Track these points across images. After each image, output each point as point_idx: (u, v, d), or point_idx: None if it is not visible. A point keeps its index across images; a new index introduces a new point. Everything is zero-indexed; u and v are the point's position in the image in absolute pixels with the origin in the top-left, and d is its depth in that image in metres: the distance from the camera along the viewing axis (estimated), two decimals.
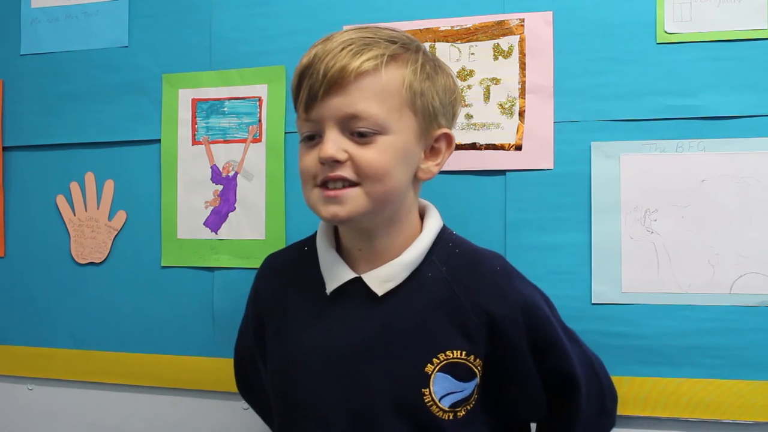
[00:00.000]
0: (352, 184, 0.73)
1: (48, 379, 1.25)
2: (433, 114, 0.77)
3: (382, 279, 0.78)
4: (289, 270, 0.88)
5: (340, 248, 0.83)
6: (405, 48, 0.76)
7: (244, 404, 1.15)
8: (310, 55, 0.75)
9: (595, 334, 0.99)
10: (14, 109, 1.26)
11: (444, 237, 0.83)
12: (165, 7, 1.19)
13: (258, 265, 1.12)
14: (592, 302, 1.01)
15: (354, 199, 0.73)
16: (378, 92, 0.73)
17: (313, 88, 0.73)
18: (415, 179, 0.79)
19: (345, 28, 0.79)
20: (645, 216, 0.99)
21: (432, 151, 0.80)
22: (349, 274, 0.80)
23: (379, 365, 0.77)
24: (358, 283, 0.79)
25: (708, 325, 0.97)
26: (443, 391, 0.76)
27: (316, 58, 0.73)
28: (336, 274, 0.80)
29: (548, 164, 1.02)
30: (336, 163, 0.72)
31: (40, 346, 1.25)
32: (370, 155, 0.73)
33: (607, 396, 0.87)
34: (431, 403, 0.76)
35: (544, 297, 0.83)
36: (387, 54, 0.73)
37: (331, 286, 0.80)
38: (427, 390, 0.76)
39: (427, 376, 0.76)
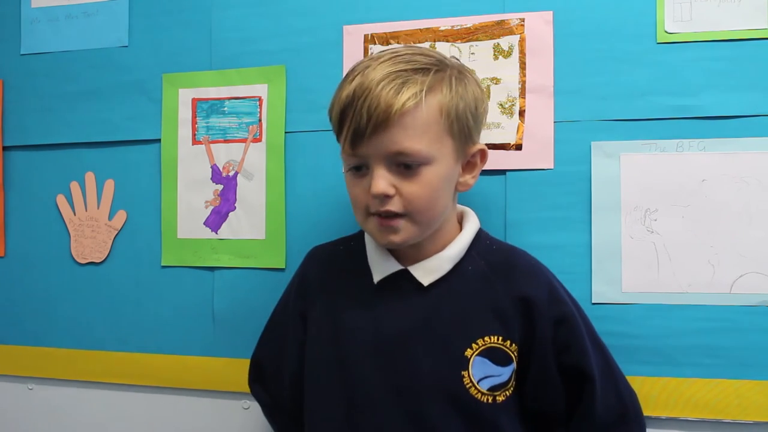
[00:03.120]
0: (400, 215, 0.80)
1: (48, 379, 1.25)
2: (468, 134, 0.83)
3: (427, 270, 0.85)
4: (336, 261, 0.94)
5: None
6: (438, 75, 0.80)
7: (244, 404, 1.15)
8: (349, 91, 0.79)
9: None
10: (14, 109, 1.26)
11: (482, 236, 0.90)
12: (165, 7, 1.19)
13: (258, 265, 1.14)
14: (592, 302, 1.01)
15: (406, 229, 0.81)
16: (419, 127, 0.78)
17: (358, 129, 0.78)
18: (454, 191, 0.87)
19: (378, 56, 0.81)
20: (645, 216, 0.99)
21: (468, 165, 0.86)
22: (396, 266, 0.87)
23: (424, 350, 0.83)
24: (404, 275, 0.86)
25: (708, 325, 0.97)
26: (481, 374, 0.82)
27: (356, 95, 0.78)
28: (384, 266, 0.87)
29: (548, 164, 1.02)
30: (386, 197, 0.79)
31: (40, 346, 1.25)
32: (416, 190, 0.79)
33: (631, 417, 0.87)
34: (470, 385, 0.81)
35: (572, 298, 0.88)
36: (425, 89, 0.78)
37: (378, 276, 0.87)
38: (466, 372, 0.81)
39: (467, 360, 0.82)
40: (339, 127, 0.82)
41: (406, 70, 0.79)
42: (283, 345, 0.97)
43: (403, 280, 0.86)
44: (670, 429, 0.99)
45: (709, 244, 0.97)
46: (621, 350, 0.99)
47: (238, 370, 1.13)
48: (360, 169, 0.82)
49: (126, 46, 1.21)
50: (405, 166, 0.78)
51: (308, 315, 0.93)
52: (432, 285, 0.85)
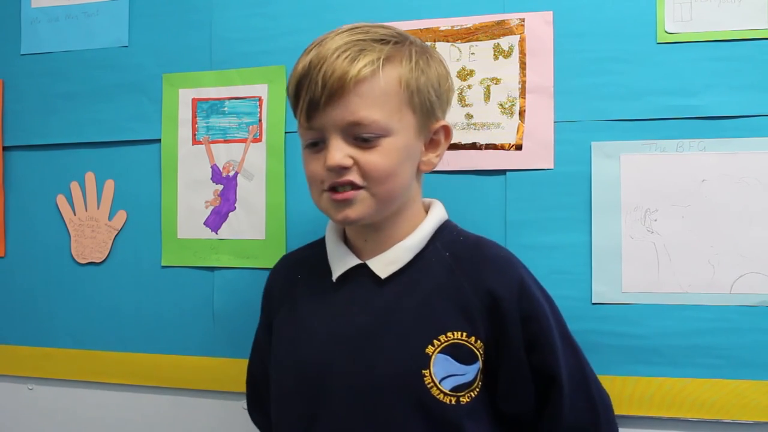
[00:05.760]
0: (359, 186, 0.76)
1: (48, 379, 1.25)
2: (431, 109, 0.80)
3: (385, 263, 0.81)
4: (299, 266, 0.91)
5: (347, 242, 0.86)
6: (397, 46, 0.78)
7: (244, 404, 1.15)
8: (305, 63, 0.76)
9: (595, 334, 0.99)
10: (14, 109, 1.26)
11: (448, 227, 0.86)
12: (165, 7, 1.19)
13: (258, 265, 1.14)
14: (592, 302, 1.00)
15: (362, 202, 0.77)
16: (377, 97, 0.75)
17: (313, 98, 0.75)
18: (417, 171, 0.83)
19: (337, 29, 0.80)
20: (645, 216, 0.99)
21: (431, 143, 0.83)
22: (354, 261, 0.83)
23: (382, 346, 0.78)
24: (363, 270, 0.82)
25: (708, 325, 0.97)
26: (444, 372, 0.76)
27: (312, 66, 0.75)
28: (342, 261, 0.84)
29: (548, 164, 1.02)
30: (343, 169, 0.75)
31: (40, 346, 1.25)
32: (374, 159, 0.75)
33: (602, 424, 0.83)
34: (431, 384, 0.76)
35: (545, 295, 0.84)
36: (382, 57, 0.75)
37: (336, 273, 0.83)
38: (427, 371, 0.76)
39: (428, 357, 0.77)
40: (295, 100, 0.79)
41: (364, 40, 0.76)
42: (263, 362, 0.94)
43: (361, 275, 0.82)
44: (670, 429, 0.99)
45: (709, 244, 0.97)
46: (621, 350, 0.99)
47: (238, 370, 1.13)
48: (317, 145, 0.78)
49: (126, 46, 1.21)
50: (363, 139, 0.75)
51: (273, 324, 0.90)
52: (390, 278, 0.81)
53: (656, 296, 0.98)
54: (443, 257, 0.82)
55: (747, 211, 0.96)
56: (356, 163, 0.76)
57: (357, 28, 0.79)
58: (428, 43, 1.05)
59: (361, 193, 0.77)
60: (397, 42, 0.78)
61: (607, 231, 1.00)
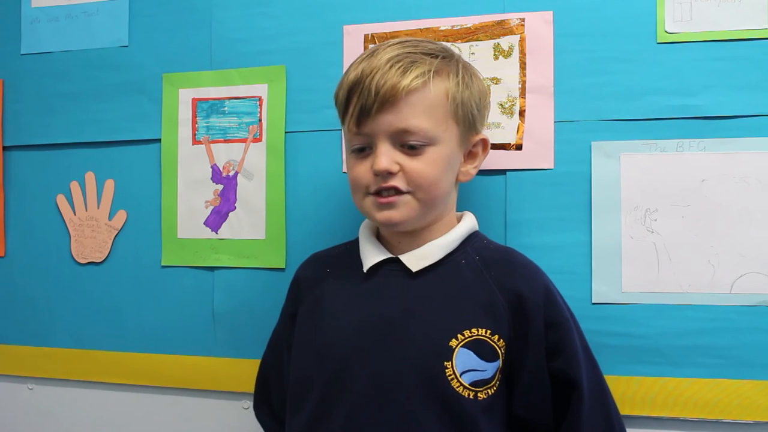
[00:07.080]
0: (403, 192, 0.80)
1: (48, 379, 1.25)
2: (472, 122, 0.85)
3: (417, 257, 0.85)
4: (330, 261, 0.94)
5: (381, 240, 0.90)
6: (445, 61, 0.83)
7: (244, 404, 1.15)
8: (357, 71, 0.81)
9: (595, 334, 0.99)
10: (14, 109, 1.26)
11: (479, 236, 0.90)
12: (165, 7, 1.19)
13: (258, 265, 1.14)
14: (593, 302, 1.01)
15: (406, 205, 0.81)
16: (426, 107, 0.79)
17: (365, 105, 0.79)
18: (456, 181, 0.87)
19: (387, 42, 0.84)
20: (645, 216, 0.99)
21: (470, 155, 0.88)
22: (386, 254, 0.86)
23: (407, 336, 0.81)
24: (394, 264, 0.86)
25: (708, 325, 0.97)
26: (465, 366, 0.79)
27: (364, 74, 0.79)
28: (374, 254, 0.87)
29: (548, 164, 1.02)
30: (389, 174, 0.79)
31: (40, 346, 1.25)
32: (420, 167, 0.80)
33: None
34: (452, 376, 0.78)
35: (567, 307, 0.86)
36: (432, 70, 0.80)
37: (368, 264, 0.86)
38: (449, 363, 0.78)
39: (451, 350, 0.79)
40: (345, 106, 0.83)
41: (414, 53, 0.81)
42: (282, 356, 0.95)
43: (392, 268, 0.85)
44: (670, 429, 0.99)
45: (709, 244, 0.97)
46: (621, 350, 0.99)
47: (238, 370, 1.13)
48: (363, 150, 0.82)
49: (126, 46, 1.21)
50: (410, 146, 0.79)
51: (298, 313, 0.92)
52: (421, 272, 0.84)
53: (656, 296, 0.98)
54: (473, 260, 0.85)
55: (747, 211, 0.96)
56: (402, 169, 0.80)
57: (407, 41, 0.83)
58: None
59: (405, 197, 0.81)
60: (445, 57, 0.83)
61: (607, 231, 1.00)
